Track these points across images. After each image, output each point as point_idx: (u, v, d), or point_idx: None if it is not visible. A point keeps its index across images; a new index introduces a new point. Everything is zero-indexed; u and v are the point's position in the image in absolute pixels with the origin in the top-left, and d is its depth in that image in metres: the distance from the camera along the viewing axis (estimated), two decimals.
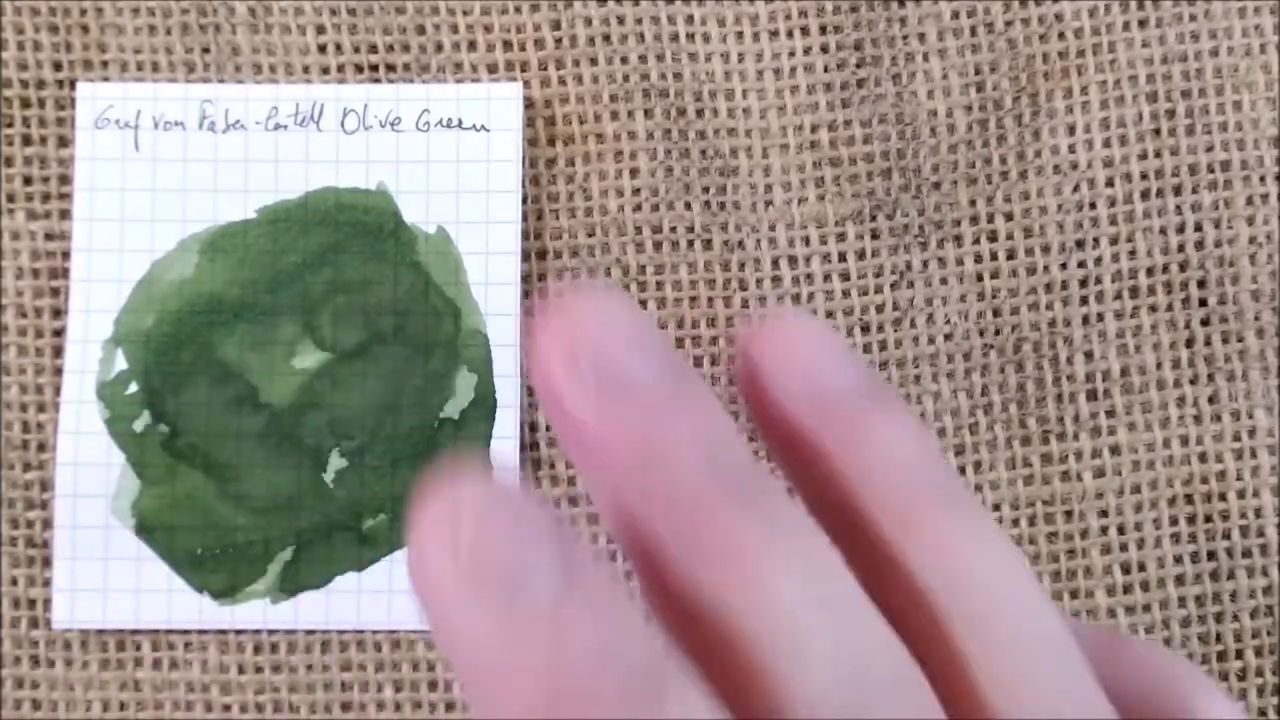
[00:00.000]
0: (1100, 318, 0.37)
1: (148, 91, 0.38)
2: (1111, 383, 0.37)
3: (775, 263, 0.37)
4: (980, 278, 0.37)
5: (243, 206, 0.37)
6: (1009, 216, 0.38)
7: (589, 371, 0.17)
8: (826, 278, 0.37)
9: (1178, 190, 0.38)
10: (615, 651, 0.16)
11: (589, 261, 0.37)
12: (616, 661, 0.16)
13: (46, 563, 0.36)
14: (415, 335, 0.37)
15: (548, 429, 0.37)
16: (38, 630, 0.36)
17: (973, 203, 0.38)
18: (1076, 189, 0.38)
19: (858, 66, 0.38)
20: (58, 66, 0.38)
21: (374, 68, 0.38)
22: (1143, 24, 0.38)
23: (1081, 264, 0.37)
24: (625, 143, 0.38)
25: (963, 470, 0.37)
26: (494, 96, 0.38)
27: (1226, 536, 0.37)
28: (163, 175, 0.37)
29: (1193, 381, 0.37)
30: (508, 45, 0.38)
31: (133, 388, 0.37)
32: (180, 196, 0.37)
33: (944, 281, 0.37)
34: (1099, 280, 0.37)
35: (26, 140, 0.38)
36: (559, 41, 0.38)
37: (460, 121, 0.38)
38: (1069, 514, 0.37)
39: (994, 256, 0.38)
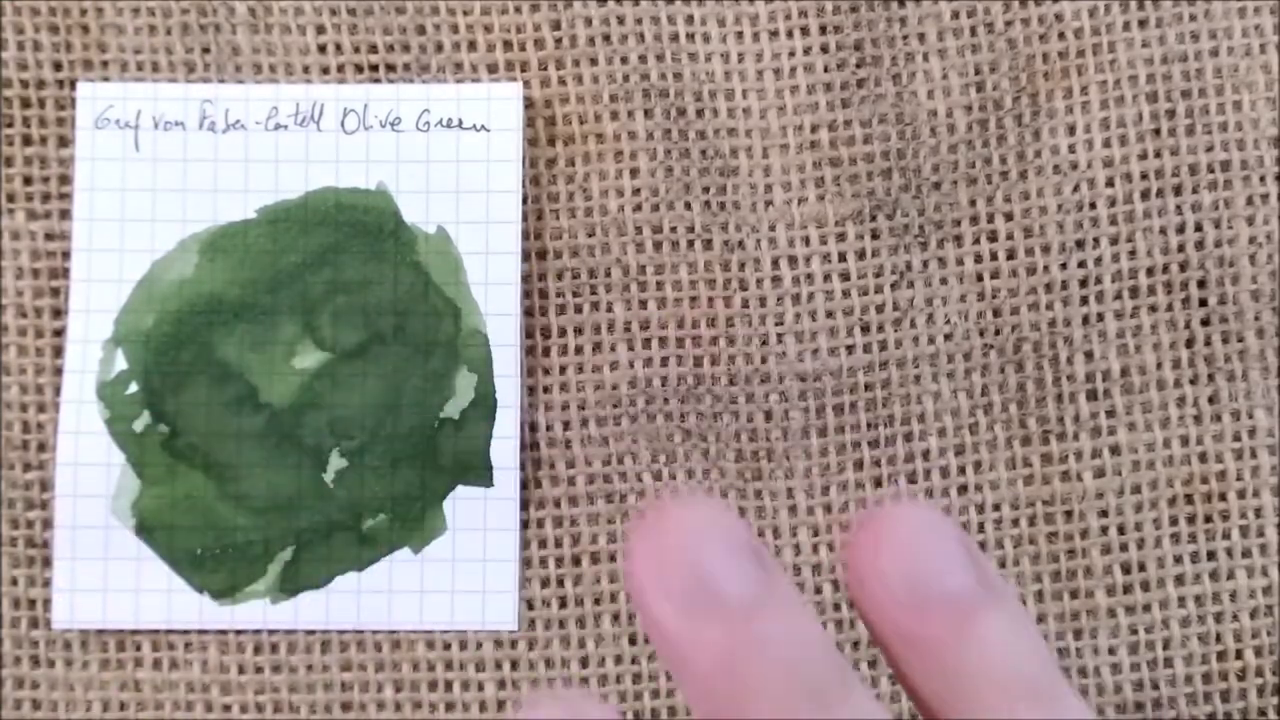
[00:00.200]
0: (1100, 318, 0.37)
1: (148, 91, 0.38)
2: (1111, 383, 0.37)
3: (775, 263, 0.37)
4: (980, 278, 0.37)
5: (243, 206, 0.37)
6: (1009, 216, 0.38)
7: (677, 583, 0.18)
8: (826, 278, 0.37)
9: (1178, 190, 0.38)
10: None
11: (589, 261, 0.37)
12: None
13: (46, 563, 0.36)
14: (415, 335, 0.37)
15: (548, 429, 0.37)
16: (38, 630, 0.36)
17: (973, 203, 0.38)
18: (1076, 189, 0.38)
19: (858, 66, 0.38)
20: (58, 66, 0.38)
21: (374, 68, 0.38)
22: (1143, 24, 0.38)
23: (1081, 264, 0.37)
24: (625, 143, 0.38)
25: (962, 470, 0.37)
26: (494, 96, 0.38)
27: (1226, 536, 0.37)
28: (163, 175, 0.37)
29: (1193, 381, 0.37)
30: (508, 45, 0.38)
31: (133, 388, 0.37)
32: (180, 196, 0.37)
33: (944, 281, 0.37)
34: (1099, 280, 0.37)
35: (26, 140, 0.38)
36: (559, 41, 0.38)
37: (460, 121, 0.38)
38: (1069, 514, 0.37)
39: (994, 256, 0.38)
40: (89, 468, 0.36)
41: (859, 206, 0.38)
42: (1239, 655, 0.36)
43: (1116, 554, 0.37)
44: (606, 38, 0.38)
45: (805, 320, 0.37)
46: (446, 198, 0.37)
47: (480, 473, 0.37)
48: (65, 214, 0.37)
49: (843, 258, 0.37)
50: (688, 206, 0.38)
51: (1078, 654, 0.36)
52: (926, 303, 0.37)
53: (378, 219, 0.37)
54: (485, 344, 0.37)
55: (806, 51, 0.38)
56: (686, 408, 0.37)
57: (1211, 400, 0.37)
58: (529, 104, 0.38)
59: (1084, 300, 0.37)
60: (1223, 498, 0.37)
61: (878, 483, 0.37)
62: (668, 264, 0.37)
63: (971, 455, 0.37)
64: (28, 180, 0.38)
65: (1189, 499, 0.37)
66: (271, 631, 0.36)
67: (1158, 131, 0.38)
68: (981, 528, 0.37)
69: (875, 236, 0.38)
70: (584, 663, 0.36)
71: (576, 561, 0.37)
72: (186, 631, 0.36)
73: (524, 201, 0.37)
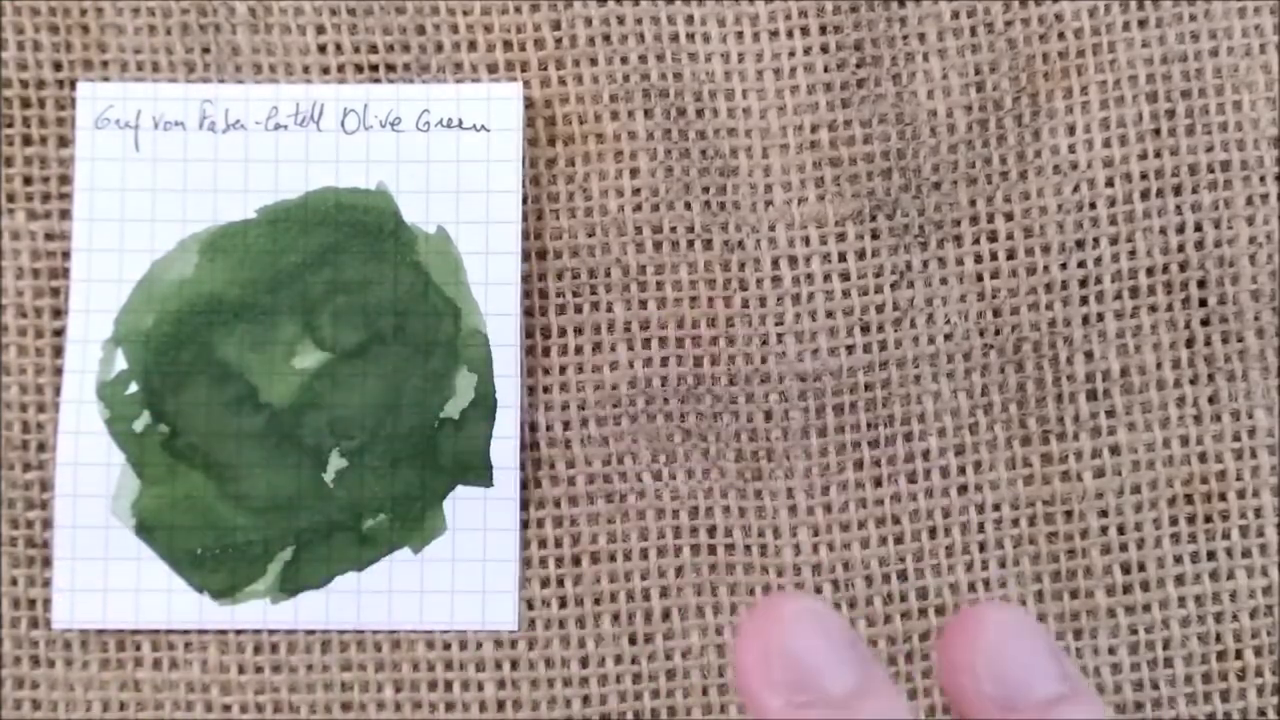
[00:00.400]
0: (1100, 318, 0.37)
1: (148, 91, 0.38)
2: (1111, 383, 0.37)
3: (775, 263, 0.37)
4: (980, 278, 0.37)
5: (243, 206, 0.37)
6: (1009, 216, 0.38)
7: (781, 674, 0.20)
8: (826, 278, 0.37)
9: (1178, 190, 0.38)
10: None
11: (589, 261, 0.37)
12: None
13: (46, 563, 0.36)
14: (415, 335, 0.37)
15: (548, 429, 0.37)
16: (38, 630, 0.36)
17: (973, 203, 0.38)
18: (1076, 189, 0.38)
19: (858, 66, 0.38)
20: (58, 66, 0.38)
21: (374, 68, 0.38)
22: (1143, 24, 0.38)
23: (1081, 264, 0.37)
24: (625, 143, 0.38)
25: (962, 470, 0.37)
26: (494, 96, 0.38)
27: (1226, 536, 0.37)
28: (163, 175, 0.37)
29: (1193, 381, 0.37)
30: (508, 45, 0.38)
31: (133, 388, 0.37)
32: (180, 196, 0.37)
33: (944, 281, 0.37)
34: (1099, 280, 0.37)
35: (26, 140, 0.38)
36: (559, 41, 0.38)
37: (460, 121, 0.38)
38: (1069, 514, 0.37)
39: (994, 256, 0.38)
40: (89, 468, 0.36)
41: (859, 206, 0.38)
42: (1239, 655, 0.36)
43: (1116, 554, 0.37)
44: (606, 38, 0.38)
45: (805, 320, 0.37)
46: (446, 198, 0.37)
47: (480, 473, 0.37)
48: (65, 214, 0.37)
49: (843, 258, 0.37)
50: (688, 206, 0.38)
51: (1078, 654, 0.36)
52: (926, 303, 0.37)
53: (378, 219, 0.37)
54: (485, 344, 0.37)
55: (806, 51, 0.38)
56: (686, 408, 0.37)
57: (1211, 400, 0.37)
58: (529, 104, 0.38)
59: (1084, 300, 0.37)
60: (1223, 498, 0.37)
61: (878, 483, 0.37)
62: (668, 264, 0.37)
63: (971, 455, 0.37)
64: (28, 180, 0.38)
65: (1189, 499, 0.37)
66: (271, 631, 0.36)
67: (1158, 131, 0.38)
68: (981, 528, 0.37)
69: (875, 236, 0.38)
70: (584, 663, 0.36)
71: (576, 561, 0.37)
72: (186, 631, 0.36)
73: (524, 201, 0.37)
